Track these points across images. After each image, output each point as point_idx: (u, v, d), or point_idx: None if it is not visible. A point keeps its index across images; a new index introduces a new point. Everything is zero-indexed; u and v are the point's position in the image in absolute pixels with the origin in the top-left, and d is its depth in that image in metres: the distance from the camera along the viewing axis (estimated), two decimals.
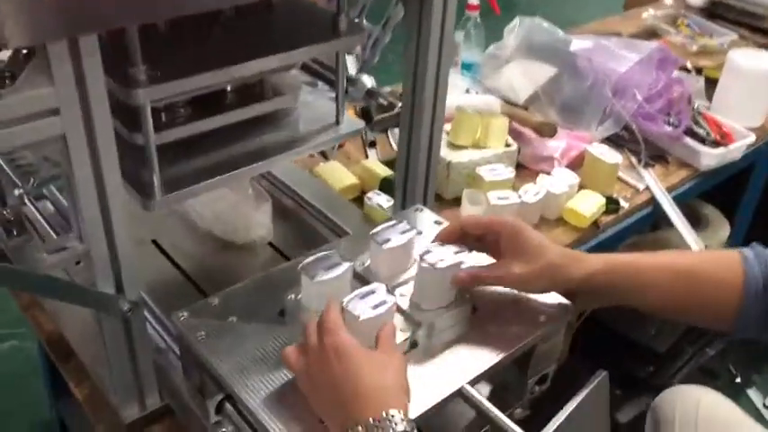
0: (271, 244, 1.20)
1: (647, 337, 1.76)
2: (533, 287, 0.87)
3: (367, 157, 1.52)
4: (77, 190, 0.71)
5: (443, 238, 0.88)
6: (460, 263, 0.82)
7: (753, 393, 2.06)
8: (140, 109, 0.79)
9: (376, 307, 0.76)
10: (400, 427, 0.65)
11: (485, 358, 0.81)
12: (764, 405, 1.98)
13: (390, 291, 0.82)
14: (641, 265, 0.86)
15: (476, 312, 0.88)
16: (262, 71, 0.91)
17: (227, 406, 0.80)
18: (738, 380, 2.08)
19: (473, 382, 0.79)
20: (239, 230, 1.17)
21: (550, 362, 0.93)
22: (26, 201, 0.98)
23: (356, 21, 0.95)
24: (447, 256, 0.82)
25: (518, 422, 0.76)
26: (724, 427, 1.15)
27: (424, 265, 0.81)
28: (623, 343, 1.75)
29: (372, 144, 1.58)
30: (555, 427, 0.80)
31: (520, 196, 1.35)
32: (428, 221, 1.03)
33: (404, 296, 0.85)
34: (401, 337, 0.79)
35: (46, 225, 0.86)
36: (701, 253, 0.86)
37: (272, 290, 0.88)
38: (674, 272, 0.85)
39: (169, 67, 0.80)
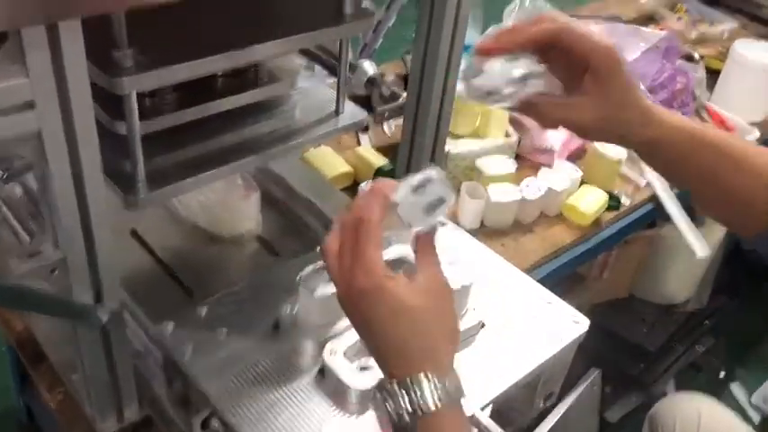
0: (259, 237, 1.13)
1: (639, 336, 1.73)
2: (597, 137, 0.72)
3: (359, 143, 1.44)
4: (53, 193, 0.63)
5: (521, 42, 0.67)
6: (469, 286, 0.75)
7: (736, 388, 2.05)
8: (125, 98, 0.71)
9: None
10: (434, 394, 0.56)
11: (495, 382, 0.76)
12: (750, 403, 1.97)
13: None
14: (708, 140, 0.72)
15: (484, 328, 0.82)
16: (260, 58, 0.83)
17: (214, 423, 0.74)
18: (723, 374, 2.07)
19: (484, 407, 0.74)
20: (226, 222, 1.09)
21: (560, 379, 0.88)
22: None
23: (362, 4, 0.87)
24: (453, 276, 0.74)
25: None
26: None
27: None
28: (615, 341, 1.72)
29: (365, 128, 1.50)
30: (550, 425, 0.75)
31: (521, 191, 1.29)
32: None
33: None
34: None
35: (16, 224, 0.78)
36: (760, 149, 0.75)
37: (266, 297, 0.82)
38: (736, 161, 0.73)
39: (158, 51, 0.71)
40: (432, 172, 0.64)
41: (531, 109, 0.69)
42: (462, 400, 0.58)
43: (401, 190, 0.61)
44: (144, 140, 0.77)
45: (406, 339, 0.59)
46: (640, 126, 0.69)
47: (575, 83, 0.67)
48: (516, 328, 0.82)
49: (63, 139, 0.61)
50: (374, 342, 0.60)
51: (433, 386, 0.56)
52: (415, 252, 0.63)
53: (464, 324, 0.78)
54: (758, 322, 2.22)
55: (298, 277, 0.74)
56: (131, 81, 0.68)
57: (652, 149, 0.71)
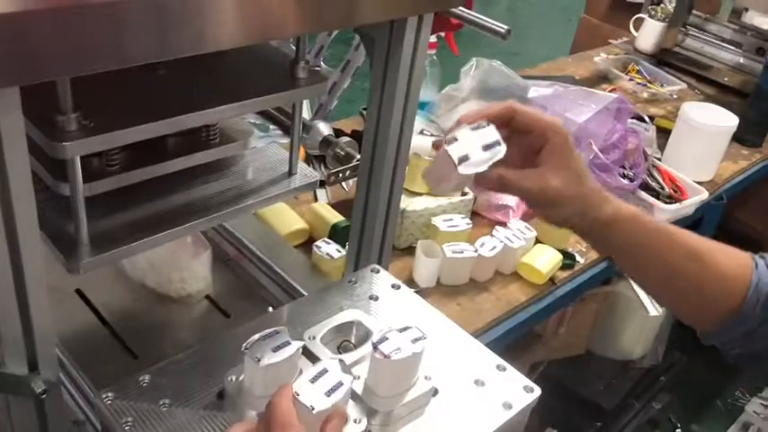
0: (208, 297, 1.10)
1: (596, 393, 1.73)
2: (558, 212, 0.74)
3: (316, 198, 1.44)
4: None
5: (484, 115, 0.72)
6: (420, 353, 0.74)
7: None
8: (67, 162, 0.69)
9: (330, 392, 0.67)
10: None
11: None
12: None
13: (344, 367, 0.74)
14: (662, 228, 0.76)
15: (437, 395, 0.80)
16: (210, 122, 0.82)
17: None
18: (679, 430, 2.08)
19: None
20: (175, 283, 1.06)
21: None
22: None
23: (316, 68, 0.87)
24: (404, 344, 0.73)
25: None
26: None
27: (377, 356, 0.72)
28: (571, 399, 1.71)
29: (322, 184, 1.50)
30: None
31: (476, 249, 1.30)
32: (385, 284, 0.96)
33: (358, 378, 0.76)
34: (355, 430, 0.71)
35: None
36: (715, 243, 0.77)
37: (210, 365, 0.79)
38: (689, 251, 0.75)
39: (104, 114, 0.70)
40: (486, 122, 0.71)
41: (495, 179, 0.72)
42: None
43: (461, 128, 0.69)
44: (90, 201, 0.76)
45: None
46: (598, 202, 0.72)
47: (530, 158, 0.71)
48: (468, 395, 0.81)
49: None
50: None
51: None
52: None
53: (416, 392, 0.77)
54: (712, 377, 2.24)
55: (243, 346, 0.72)
56: (74, 146, 0.67)
57: (606, 231, 0.73)
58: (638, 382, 1.84)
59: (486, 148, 0.70)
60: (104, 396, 0.73)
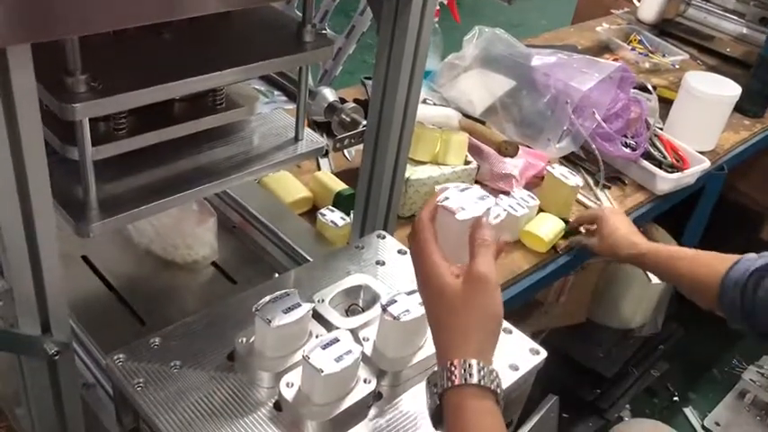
0: (215, 264, 1.10)
1: (596, 362, 1.75)
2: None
3: (319, 167, 1.43)
4: None
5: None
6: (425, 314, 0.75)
7: (689, 412, 2.08)
8: (76, 124, 0.69)
9: (340, 359, 0.68)
10: (474, 378, 0.62)
11: None
12: (703, 427, 2.00)
13: (356, 337, 0.75)
14: (673, 255, 1.19)
15: None
16: (218, 85, 0.82)
17: None
18: (676, 398, 2.10)
19: None
20: (181, 249, 1.07)
21: (519, 407, 0.87)
22: None
23: (322, 31, 0.87)
24: (413, 306, 0.74)
25: None
26: None
27: (387, 318, 0.73)
28: (572, 366, 1.73)
29: (325, 153, 1.49)
30: None
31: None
32: (391, 250, 0.96)
33: (367, 340, 0.77)
34: (365, 390, 0.72)
35: None
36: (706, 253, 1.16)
37: (220, 328, 0.79)
38: (690, 259, 1.15)
39: (112, 77, 0.70)
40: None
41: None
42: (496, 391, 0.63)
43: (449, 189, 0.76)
44: (97, 166, 0.76)
45: (443, 326, 0.67)
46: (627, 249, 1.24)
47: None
48: None
49: (10, 163, 0.59)
50: (437, 320, 0.68)
51: (458, 366, 0.63)
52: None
53: (424, 353, 0.78)
54: (709, 347, 2.26)
55: (254, 308, 0.72)
56: (83, 108, 0.66)
57: (637, 262, 1.24)
58: (638, 351, 1.86)
59: (479, 199, 0.76)
60: (116, 358, 0.74)
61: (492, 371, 0.63)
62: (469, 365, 0.63)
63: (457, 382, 0.62)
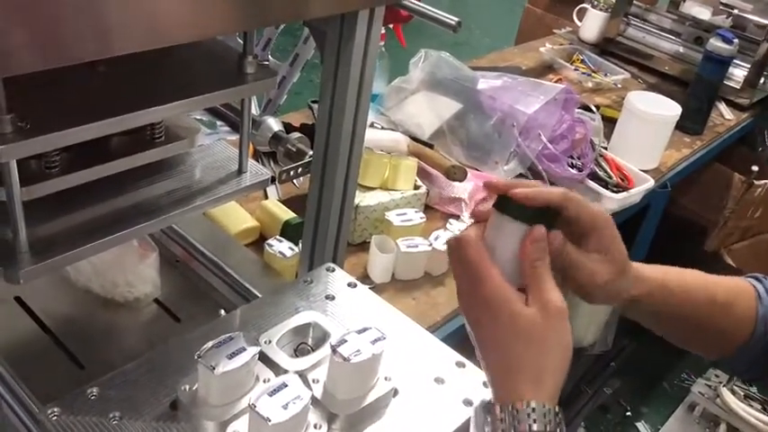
0: (157, 300, 1.06)
1: None
2: (595, 298, 0.72)
3: (266, 195, 1.40)
4: None
5: (540, 198, 0.65)
6: (380, 354, 0.73)
7: (642, 427, 2.10)
8: (3, 166, 0.65)
9: (288, 406, 0.65)
10: (537, 425, 0.57)
11: None
12: None
13: (305, 380, 0.72)
14: (676, 288, 0.76)
15: (397, 396, 0.79)
16: (155, 120, 0.78)
17: None
18: (629, 413, 2.12)
19: None
20: (121, 287, 1.02)
21: None
22: None
23: (264, 62, 0.84)
24: (363, 346, 0.72)
25: None
26: None
27: (337, 359, 0.71)
28: None
29: (272, 180, 1.46)
30: None
31: (430, 243, 1.29)
32: (341, 283, 0.94)
33: (317, 382, 0.75)
34: None
35: None
36: (721, 279, 0.81)
37: (162, 374, 0.76)
38: (707, 302, 0.77)
39: (42, 115, 0.66)
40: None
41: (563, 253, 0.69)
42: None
43: None
44: (29, 206, 0.72)
45: (515, 359, 0.61)
46: (630, 287, 0.71)
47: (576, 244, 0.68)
48: (429, 393, 0.80)
49: None
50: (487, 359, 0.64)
51: (534, 412, 0.58)
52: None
53: (376, 393, 0.75)
54: (659, 362, 2.30)
55: (196, 354, 0.69)
56: (8, 150, 0.63)
57: (633, 305, 0.74)
58: (590, 369, 1.87)
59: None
60: (50, 412, 0.70)
61: (559, 415, 0.59)
62: (548, 411, 0.58)
63: (536, 428, 0.57)
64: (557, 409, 0.59)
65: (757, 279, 0.82)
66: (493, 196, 0.66)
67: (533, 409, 0.58)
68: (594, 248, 0.68)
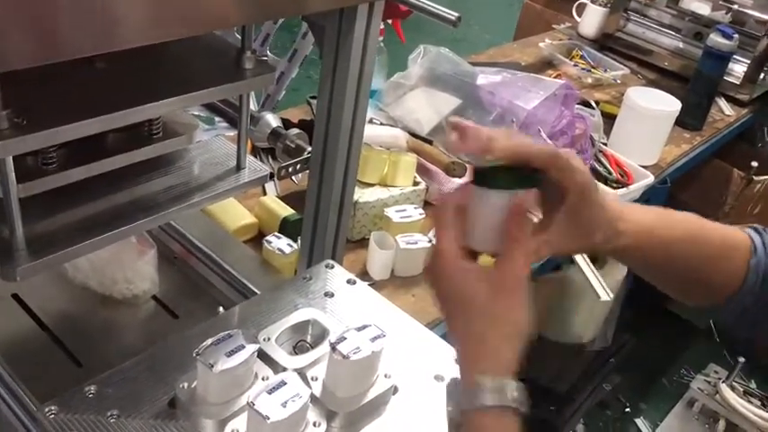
0: (156, 297, 1.06)
1: (549, 379, 1.75)
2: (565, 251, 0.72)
3: (265, 191, 1.40)
4: None
5: (521, 153, 0.62)
6: (379, 352, 0.72)
7: (641, 423, 2.10)
8: (0, 163, 0.65)
9: (287, 404, 0.65)
10: (489, 401, 0.57)
11: None
12: None
13: (304, 377, 0.72)
14: (665, 238, 0.73)
15: (397, 393, 0.78)
16: (153, 116, 0.78)
17: None
18: (628, 409, 2.12)
19: None
20: (120, 283, 1.02)
21: None
22: None
23: (263, 58, 0.84)
24: (363, 343, 0.72)
25: None
26: None
27: (336, 357, 0.70)
28: (526, 384, 1.72)
29: (270, 176, 1.46)
30: None
31: (430, 240, 1.28)
32: (340, 280, 0.93)
33: (316, 380, 0.74)
34: None
35: None
36: (715, 230, 0.76)
37: (160, 372, 0.75)
38: (692, 241, 0.74)
39: (39, 111, 0.66)
40: None
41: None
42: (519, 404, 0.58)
43: None
44: (26, 202, 0.71)
45: (468, 334, 0.61)
46: (606, 242, 0.68)
47: (549, 204, 0.66)
48: (428, 391, 0.80)
49: None
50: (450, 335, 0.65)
51: (486, 386, 0.58)
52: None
53: (376, 391, 0.75)
54: (658, 358, 2.30)
55: (195, 352, 0.69)
56: (5, 146, 0.62)
57: (623, 256, 0.72)
58: (589, 366, 1.87)
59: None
60: (47, 410, 0.69)
61: (522, 389, 0.59)
62: (504, 385, 0.58)
63: (489, 403, 0.57)
64: (514, 381, 0.58)
65: (756, 231, 0.78)
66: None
67: (486, 383, 0.58)
68: (565, 216, 0.64)
